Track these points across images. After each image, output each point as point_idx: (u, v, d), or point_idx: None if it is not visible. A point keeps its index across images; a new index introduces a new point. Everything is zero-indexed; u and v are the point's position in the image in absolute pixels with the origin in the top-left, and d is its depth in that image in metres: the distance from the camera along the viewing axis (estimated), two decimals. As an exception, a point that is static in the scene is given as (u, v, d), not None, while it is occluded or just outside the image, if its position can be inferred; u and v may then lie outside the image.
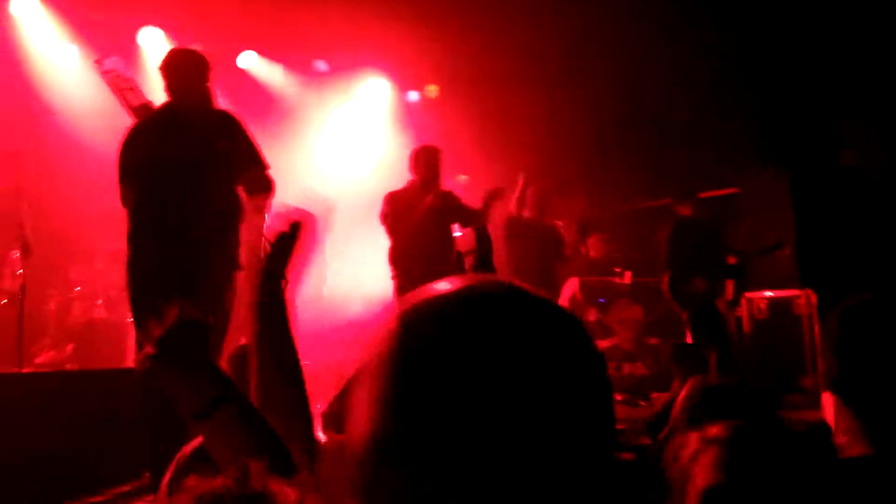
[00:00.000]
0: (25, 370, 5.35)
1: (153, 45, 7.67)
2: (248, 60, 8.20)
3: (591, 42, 7.35)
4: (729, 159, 7.50)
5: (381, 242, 5.36)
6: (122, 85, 4.17)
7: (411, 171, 5.40)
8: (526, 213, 6.39)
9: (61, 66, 7.23)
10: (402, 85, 8.82)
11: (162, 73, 3.91)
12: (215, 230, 3.72)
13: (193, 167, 3.68)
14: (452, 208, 5.33)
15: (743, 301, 6.82)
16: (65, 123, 6.84)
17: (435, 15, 7.23)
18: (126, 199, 3.78)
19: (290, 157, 8.30)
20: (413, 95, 8.93)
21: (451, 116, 7.91)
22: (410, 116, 8.63)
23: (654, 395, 5.63)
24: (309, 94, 8.41)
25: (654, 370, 6.56)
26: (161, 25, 7.62)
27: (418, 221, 5.08)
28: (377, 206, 5.35)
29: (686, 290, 5.89)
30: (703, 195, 6.52)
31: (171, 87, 3.87)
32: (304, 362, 1.66)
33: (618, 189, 8.08)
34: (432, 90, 8.68)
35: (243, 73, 8.22)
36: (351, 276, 7.28)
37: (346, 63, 8.23)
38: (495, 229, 5.34)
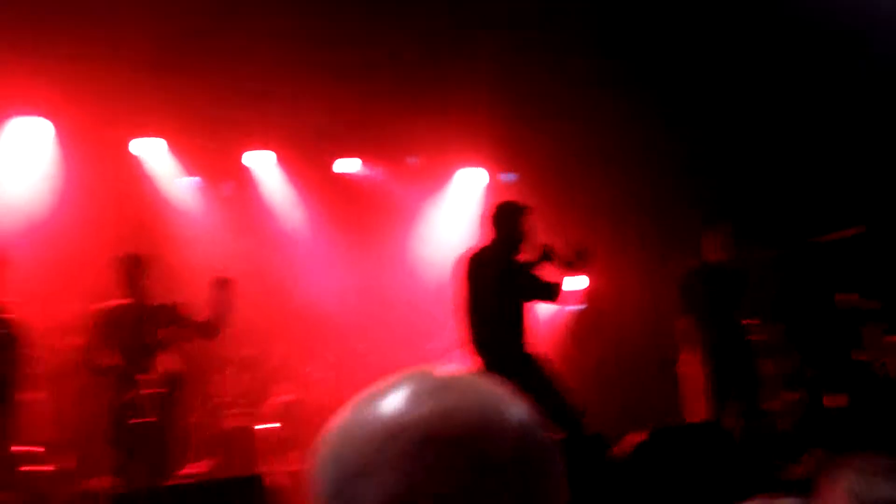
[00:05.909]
0: (169, 482, 5.61)
1: (260, 166, 8.24)
2: (343, 165, 8.64)
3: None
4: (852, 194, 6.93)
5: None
6: None
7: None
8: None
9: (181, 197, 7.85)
10: (495, 169, 9.00)
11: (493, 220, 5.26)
12: None
13: None
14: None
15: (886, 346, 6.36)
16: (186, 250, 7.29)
17: (523, 105, 7.41)
18: None
19: (392, 249, 8.55)
20: (509, 177, 9.05)
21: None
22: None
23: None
24: (404, 189, 8.74)
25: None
26: (265, 147, 8.17)
27: None
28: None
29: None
30: (819, 239, 6.22)
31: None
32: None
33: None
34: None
35: (340, 177, 8.66)
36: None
37: (437, 156, 8.52)
38: None
